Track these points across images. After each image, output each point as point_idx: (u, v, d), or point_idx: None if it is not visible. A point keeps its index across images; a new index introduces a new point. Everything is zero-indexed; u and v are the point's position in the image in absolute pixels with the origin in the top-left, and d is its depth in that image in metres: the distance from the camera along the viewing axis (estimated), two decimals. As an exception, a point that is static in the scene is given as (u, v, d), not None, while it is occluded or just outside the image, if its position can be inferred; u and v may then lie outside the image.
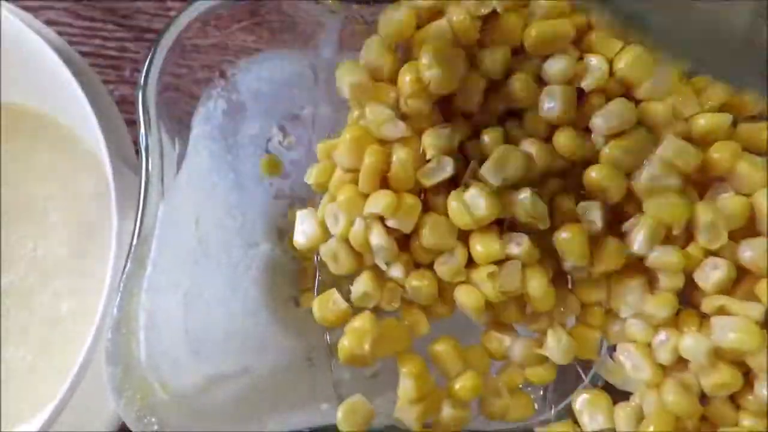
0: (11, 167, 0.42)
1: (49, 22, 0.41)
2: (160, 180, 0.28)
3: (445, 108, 0.27)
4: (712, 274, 0.25)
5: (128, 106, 0.43)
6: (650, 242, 0.25)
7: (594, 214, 0.25)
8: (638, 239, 0.25)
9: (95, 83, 0.37)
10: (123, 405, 0.25)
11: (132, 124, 0.31)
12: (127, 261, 0.26)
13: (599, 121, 0.26)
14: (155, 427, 0.25)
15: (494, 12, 0.26)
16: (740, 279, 0.26)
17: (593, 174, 0.26)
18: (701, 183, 0.27)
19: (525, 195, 0.25)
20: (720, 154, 0.26)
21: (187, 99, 0.30)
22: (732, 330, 0.24)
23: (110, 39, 0.45)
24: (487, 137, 0.26)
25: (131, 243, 0.27)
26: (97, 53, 0.45)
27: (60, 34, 0.38)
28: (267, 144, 0.35)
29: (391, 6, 0.26)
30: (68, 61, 0.35)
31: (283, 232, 0.38)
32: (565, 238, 0.26)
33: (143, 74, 0.27)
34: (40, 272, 0.40)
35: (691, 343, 0.25)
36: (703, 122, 0.26)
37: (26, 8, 0.37)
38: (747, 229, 0.26)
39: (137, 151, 0.29)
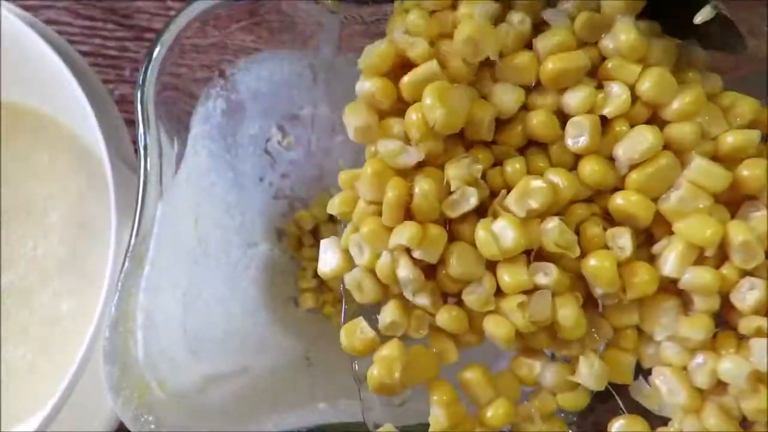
0: (11, 167, 0.42)
1: (49, 22, 0.42)
2: (158, 179, 0.28)
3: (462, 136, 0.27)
4: (749, 295, 0.24)
5: (128, 105, 0.44)
6: (682, 264, 0.25)
7: (623, 241, 0.25)
8: (669, 261, 0.25)
9: (95, 83, 0.37)
10: (120, 404, 0.25)
11: (132, 123, 0.31)
12: (125, 260, 0.26)
13: (621, 152, 0.25)
14: (152, 426, 0.25)
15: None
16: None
17: (619, 201, 0.25)
18: (732, 202, 0.26)
19: (553, 224, 0.25)
20: (750, 171, 0.25)
21: (186, 99, 0.30)
22: None
23: (110, 38, 0.45)
24: (509, 168, 0.26)
25: (129, 242, 0.27)
26: (97, 53, 0.45)
27: (60, 33, 0.38)
28: (266, 144, 0.35)
29: (374, 44, 0.26)
30: (68, 61, 0.35)
31: (282, 232, 0.38)
32: (594, 265, 0.25)
33: (142, 73, 0.27)
34: (39, 272, 0.40)
35: (729, 366, 0.24)
36: (730, 140, 0.26)
37: (26, 7, 0.37)
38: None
39: (136, 151, 0.29)
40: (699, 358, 0.25)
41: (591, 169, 0.25)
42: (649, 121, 0.26)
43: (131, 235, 0.27)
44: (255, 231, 0.35)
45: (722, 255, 0.25)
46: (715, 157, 0.26)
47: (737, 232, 0.24)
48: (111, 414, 0.37)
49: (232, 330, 0.32)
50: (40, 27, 0.36)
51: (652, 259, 0.26)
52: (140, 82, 0.27)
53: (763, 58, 0.28)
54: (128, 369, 0.25)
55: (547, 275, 0.25)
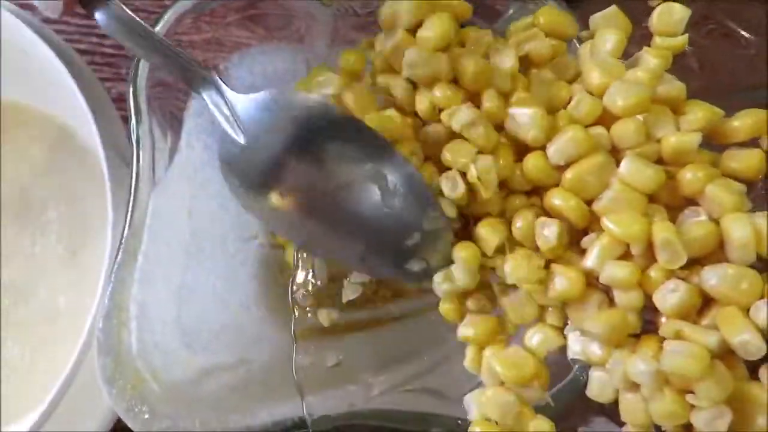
0: (9, 164, 0.42)
1: (46, 20, 0.42)
2: (151, 171, 0.28)
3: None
4: (669, 297, 0.24)
5: (124, 103, 0.43)
6: (603, 258, 0.25)
7: (549, 231, 0.25)
8: (592, 255, 0.25)
9: (92, 81, 0.37)
10: (114, 395, 0.25)
11: (128, 121, 0.31)
12: (118, 251, 0.27)
13: (552, 151, 0.26)
14: (146, 416, 0.25)
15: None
16: (706, 306, 0.25)
17: (552, 199, 0.26)
18: (676, 207, 0.26)
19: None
20: (691, 174, 0.25)
21: (179, 93, 0.30)
22: (681, 355, 0.23)
23: (107, 37, 0.45)
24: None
25: (122, 234, 0.27)
26: (94, 51, 0.45)
27: (57, 32, 0.38)
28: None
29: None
30: (66, 60, 0.35)
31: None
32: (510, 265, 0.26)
33: (133, 67, 0.28)
34: (37, 268, 0.41)
35: (639, 367, 0.24)
36: (673, 140, 0.26)
37: (24, 6, 0.38)
38: (716, 255, 0.25)
39: (133, 148, 0.29)
40: (615, 357, 0.25)
41: (533, 164, 0.26)
42: (604, 119, 0.26)
43: (124, 227, 0.27)
44: (252, 226, 0.35)
45: (652, 256, 0.25)
46: (660, 160, 0.26)
47: (659, 230, 0.24)
48: (108, 411, 0.37)
49: (228, 324, 0.32)
50: (38, 26, 0.37)
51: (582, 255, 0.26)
52: (132, 75, 0.28)
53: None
54: (122, 360, 0.25)
55: None
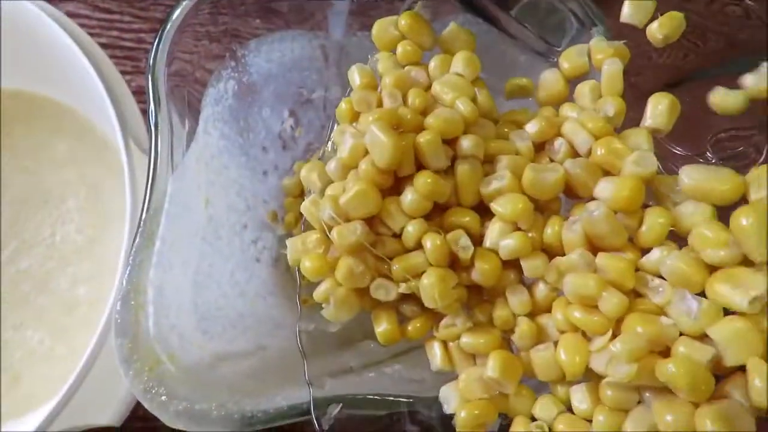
0: (30, 155, 0.43)
1: (68, 15, 0.42)
2: (169, 156, 0.28)
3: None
4: (572, 229, 0.25)
5: (144, 96, 0.44)
6: (498, 236, 0.25)
7: (463, 241, 0.25)
8: (488, 236, 0.25)
9: (113, 74, 0.38)
10: (132, 376, 0.25)
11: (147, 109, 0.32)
12: (136, 235, 0.27)
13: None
14: (163, 398, 0.25)
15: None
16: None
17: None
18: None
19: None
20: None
21: (197, 80, 0.30)
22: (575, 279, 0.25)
23: (127, 31, 0.45)
24: None
25: (140, 217, 0.27)
26: (115, 45, 0.45)
27: (79, 26, 0.38)
28: (280, 128, 0.35)
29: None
30: (87, 53, 0.35)
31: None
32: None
33: (153, 51, 0.28)
34: (57, 258, 0.41)
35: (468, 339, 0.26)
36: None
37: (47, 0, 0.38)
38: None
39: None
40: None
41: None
42: None
43: (142, 211, 0.27)
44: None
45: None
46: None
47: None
48: (124, 402, 0.37)
49: (245, 312, 0.32)
50: (60, 19, 0.37)
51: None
52: (151, 60, 0.28)
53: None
54: (139, 342, 0.26)
55: None
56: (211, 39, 0.31)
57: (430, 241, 0.25)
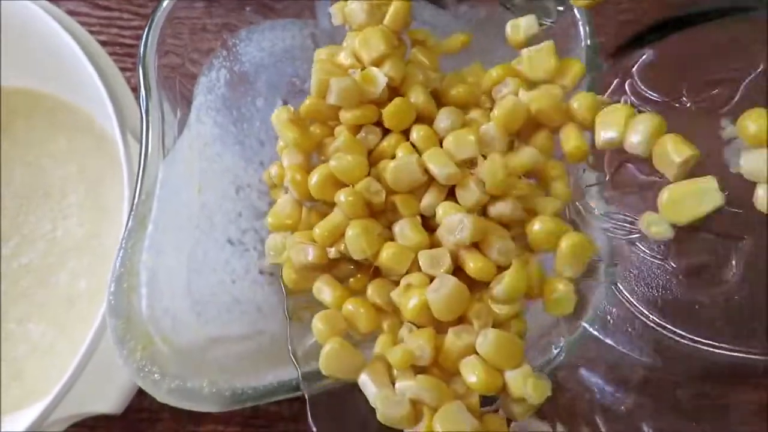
0: (31, 150, 0.43)
1: (68, 12, 0.43)
2: (160, 142, 0.28)
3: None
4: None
5: (143, 92, 0.45)
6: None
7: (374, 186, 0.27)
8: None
9: (112, 70, 0.38)
10: (125, 356, 0.25)
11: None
12: (129, 218, 0.27)
13: None
14: (156, 377, 0.25)
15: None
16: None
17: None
18: None
19: None
20: None
21: (188, 68, 0.31)
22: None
23: (126, 28, 0.46)
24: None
25: (132, 201, 0.27)
26: (114, 42, 0.46)
27: (79, 23, 0.39)
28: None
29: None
30: (87, 50, 0.36)
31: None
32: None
33: (143, 38, 0.28)
34: (58, 252, 0.42)
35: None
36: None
37: (46, -2, 0.39)
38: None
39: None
40: None
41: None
42: None
43: (134, 195, 0.27)
44: (263, 203, 0.35)
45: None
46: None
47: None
48: (122, 391, 0.37)
49: (240, 298, 0.32)
50: (61, 16, 0.38)
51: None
52: (142, 46, 0.28)
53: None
54: (132, 322, 0.26)
55: None
56: (204, 30, 0.32)
57: (343, 195, 0.27)
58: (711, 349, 0.27)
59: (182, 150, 0.30)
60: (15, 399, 0.39)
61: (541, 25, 0.29)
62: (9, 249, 0.42)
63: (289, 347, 0.28)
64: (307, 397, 0.26)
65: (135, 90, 0.40)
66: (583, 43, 0.29)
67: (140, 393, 0.37)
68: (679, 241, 0.26)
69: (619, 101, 0.28)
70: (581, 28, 0.28)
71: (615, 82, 0.29)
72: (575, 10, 0.29)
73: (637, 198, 0.29)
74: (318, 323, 0.27)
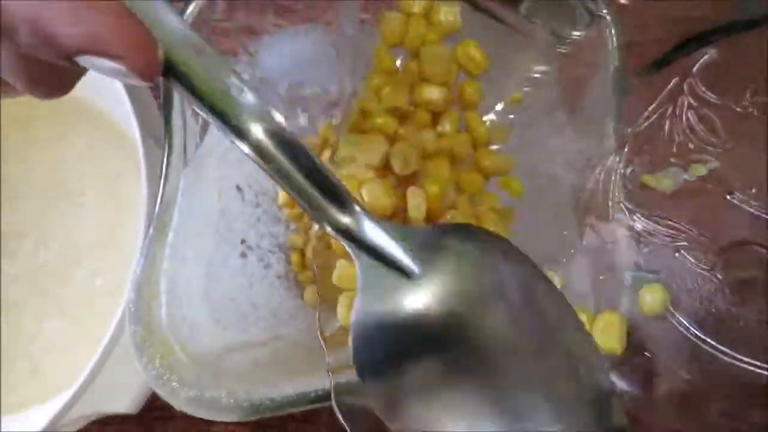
0: (49, 149, 0.43)
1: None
2: (182, 150, 0.28)
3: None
4: None
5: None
6: None
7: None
8: None
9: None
10: (144, 363, 0.26)
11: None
12: (150, 227, 0.27)
13: None
14: (175, 385, 0.25)
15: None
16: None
17: None
18: None
19: None
20: None
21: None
22: None
23: (145, 28, 0.46)
24: None
25: (154, 210, 0.28)
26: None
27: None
28: (296, 128, 0.36)
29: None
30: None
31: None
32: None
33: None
34: (76, 250, 0.42)
35: None
36: None
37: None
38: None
39: (167, 131, 0.29)
40: None
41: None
42: None
43: (156, 204, 0.28)
44: (282, 210, 0.35)
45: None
46: None
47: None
48: (140, 391, 0.38)
49: (258, 304, 0.32)
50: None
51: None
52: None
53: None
54: (152, 330, 0.26)
55: None
56: (226, 35, 0.32)
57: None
58: (751, 368, 0.26)
59: (203, 157, 0.30)
60: (33, 396, 0.39)
61: (568, 38, 0.29)
62: (28, 247, 0.42)
63: (318, 327, 0.27)
64: (332, 383, 0.26)
65: (152, 89, 0.40)
66: (611, 66, 0.28)
67: (153, 391, 0.37)
68: (727, 252, 0.25)
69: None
70: (610, 41, 0.28)
71: (673, 81, 0.28)
72: (607, 30, 0.28)
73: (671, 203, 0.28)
74: (341, 307, 0.27)
